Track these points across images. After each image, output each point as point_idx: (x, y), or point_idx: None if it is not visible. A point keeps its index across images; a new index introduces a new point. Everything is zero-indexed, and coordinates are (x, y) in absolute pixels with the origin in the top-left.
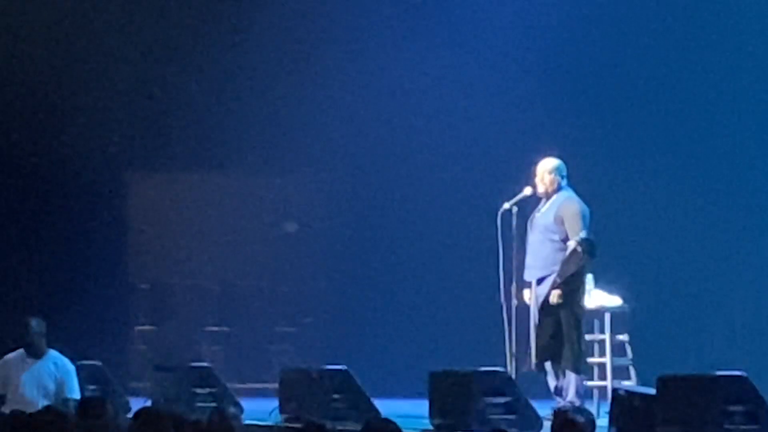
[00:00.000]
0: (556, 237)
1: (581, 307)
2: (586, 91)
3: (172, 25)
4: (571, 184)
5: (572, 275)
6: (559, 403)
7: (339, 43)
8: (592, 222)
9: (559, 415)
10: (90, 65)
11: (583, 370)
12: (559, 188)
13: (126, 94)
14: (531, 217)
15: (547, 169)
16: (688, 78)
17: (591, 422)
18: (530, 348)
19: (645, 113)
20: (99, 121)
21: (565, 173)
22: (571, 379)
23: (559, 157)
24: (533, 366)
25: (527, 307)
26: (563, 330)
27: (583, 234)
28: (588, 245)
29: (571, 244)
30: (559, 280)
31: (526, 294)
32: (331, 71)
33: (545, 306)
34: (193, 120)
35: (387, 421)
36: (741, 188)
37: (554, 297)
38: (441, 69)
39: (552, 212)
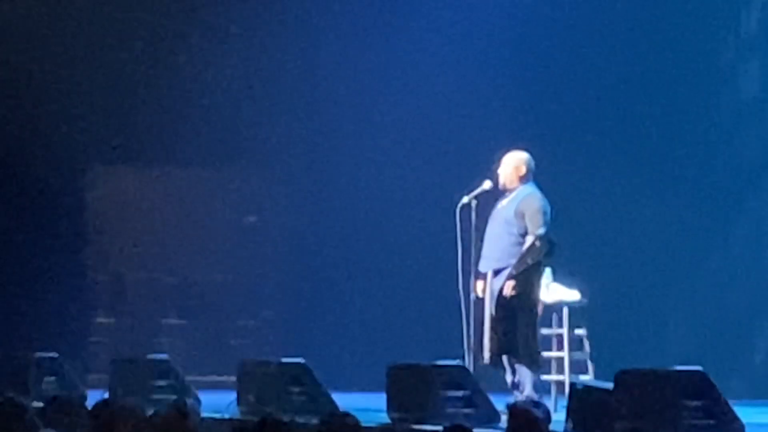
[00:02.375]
0: (515, 230)
1: (536, 301)
2: (547, 87)
3: (137, 20)
4: (534, 179)
5: (528, 269)
6: (517, 397)
7: (299, 40)
8: (552, 218)
9: (515, 409)
10: (53, 59)
11: (537, 364)
12: (523, 182)
13: (88, 88)
14: (493, 208)
15: (512, 162)
16: (649, 74)
17: (547, 416)
18: (484, 341)
19: (606, 109)
20: (60, 114)
21: (531, 167)
22: (526, 374)
23: (522, 150)
24: (486, 360)
25: (478, 299)
26: (518, 324)
27: (542, 230)
28: (546, 242)
29: (530, 238)
30: (514, 272)
31: (479, 286)
32: (291, 67)
33: (500, 299)
34: (153, 114)
35: (345, 414)
36: (700, 182)
37: (508, 288)
38: (401, 63)
39: (513, 206)
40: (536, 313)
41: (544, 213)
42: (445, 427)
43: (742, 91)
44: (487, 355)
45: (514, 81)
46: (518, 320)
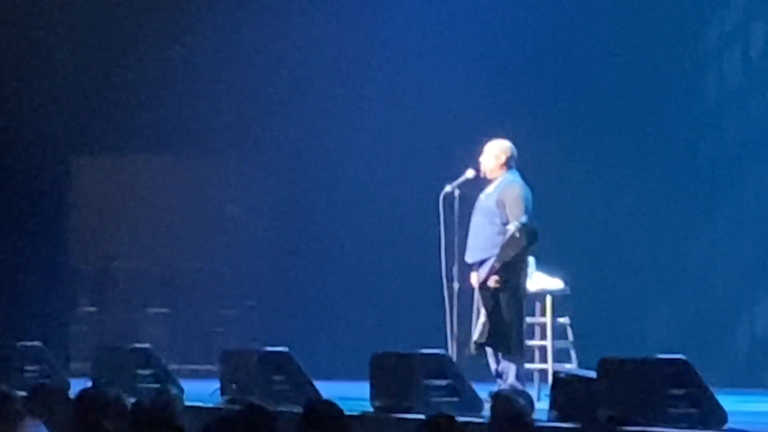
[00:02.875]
0: (497, 220)
1: (522, 291)
2: (530, 75)
3: (116, 8)
4: (517, 167)
5: (512, 259)
6: (500, 385)
7: (279, 28)
8: (534, 206)
9: (498, 398)
10: (31, 48)
11: (521, 354)
12: (504, 170)
13: (70, 77)
14: (477, 198)
15: (493, 150)
16: (632, 63)
17: (530, 405)
18: (473, 331)
19: (589, 98)
20: (41, 103)
21: (512, 155)
22: (510, 363)
23: (503, 138)
24: (471, 350)
25: (470, 290)
26: (502, 314)
27: (523, 219)
28: (528, 230)
29: (511, 228)
30: (497, 265)
31: (473, 277)
32: (273, 55)
33: (483, 289)
34: (136, 103)
35: (328, 403)
36: (683, 171)
37: (492, 281)
38: (384, 53)
39: (495, 195)
40: (521, 302)
41: (525, 201)
42: (428, 416)
43: (726, 79)
44: (472, 345)
45: (496, 69)
46: (503, 310)
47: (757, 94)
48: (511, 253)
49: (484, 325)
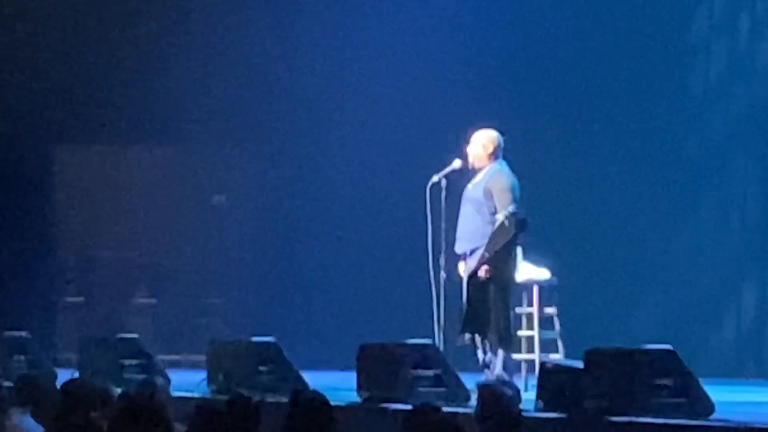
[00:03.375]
0: (485, 210)
1: (510, 281)
2: (516, 65)
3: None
4: (505, 157)
5: (501, 249)
6: (487, 376)
7: (265, 17)
8: (522, 195)
9: (485, 388)
10: (14, 38)
11: (508, 344)
12: (491, 160)
13: (56, 65)
14: (465, 188)
15: (481, 140)
16: (619, 53)
17: (517, 395)
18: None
19: (576, 89)
20: (26, 94)
21: (499, 145)
22: (497, 353)
23: (490, 128)
24: (467, 340)
25: (458, 280)
26: (490, 304)
27: (511, 208)
28: (516, 219)
29: (500, 217)
30: (487, 255)
31: (461, 267)
32: (259, 44)
33: (472, 279)
34: (123, 94)
35: (315, 393)
36: (669, 161)
37: (483, 272)
38: (370, 39)
39: (482, 185)
40: (509, 292)
41: (513, 190)
42: (414, 406)
43: (712, 70)
44: (467, 336)
45: (483, 59)
46: (491, 300)
47: (743, 87)
48: (501, 243)
49: (473, 315)
